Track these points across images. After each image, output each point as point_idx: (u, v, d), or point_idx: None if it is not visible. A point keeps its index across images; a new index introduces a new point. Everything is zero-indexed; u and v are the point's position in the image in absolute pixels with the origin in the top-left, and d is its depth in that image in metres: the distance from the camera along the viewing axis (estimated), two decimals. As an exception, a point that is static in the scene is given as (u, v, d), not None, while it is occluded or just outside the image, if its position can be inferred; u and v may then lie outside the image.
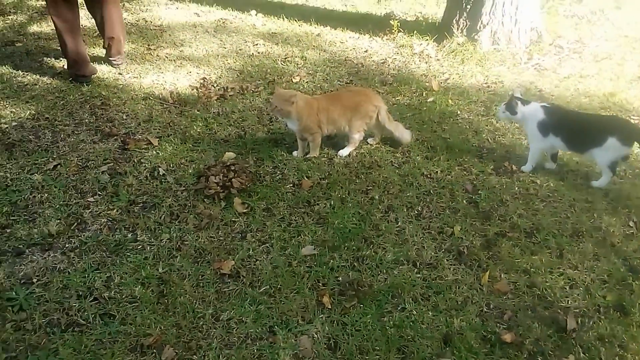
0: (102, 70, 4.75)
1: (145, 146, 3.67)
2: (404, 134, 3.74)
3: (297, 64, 5.11)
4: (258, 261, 2.74)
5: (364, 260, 2.76)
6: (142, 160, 3.51)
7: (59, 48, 4.50)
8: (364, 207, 3.14)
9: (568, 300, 2.55)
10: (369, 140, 3.81)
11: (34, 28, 5.75)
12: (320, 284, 2.61)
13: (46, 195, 3.15)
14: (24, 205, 3.06)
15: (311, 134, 3.55)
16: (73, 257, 2.71)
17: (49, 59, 4.95)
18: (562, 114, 3.52)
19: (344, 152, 3.67)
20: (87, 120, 3.99)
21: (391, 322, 2.40)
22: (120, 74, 4.74)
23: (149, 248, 2.79)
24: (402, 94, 4.55)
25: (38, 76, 4.60)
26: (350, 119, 3.59)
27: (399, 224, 3.03)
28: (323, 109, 3.55)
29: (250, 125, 4.00)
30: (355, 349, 2.28)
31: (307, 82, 4.75)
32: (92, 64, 4.59)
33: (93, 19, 4.75)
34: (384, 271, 2.70)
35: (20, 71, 4.68)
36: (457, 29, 5.42)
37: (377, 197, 3.23)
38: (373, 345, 2.29)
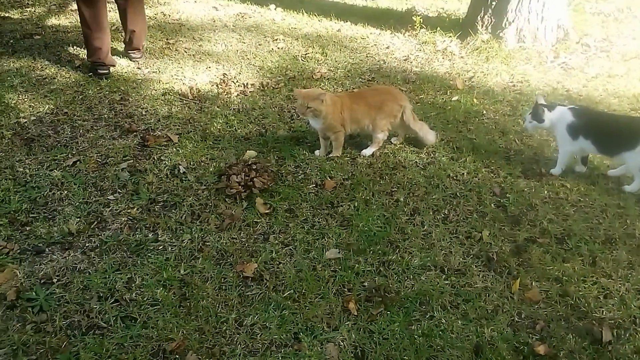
0: (121, 65, 4.70)
1: (165, 143, 3.61)
2: (428, 135, 3.65)
3: (318, 61, 5.02)
4: (281, 264, 2.67)
5: (390, 265, 2.68)
6: (162, 158, 3.45)
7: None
8: (388, 210, 3.06)
9: (602, 311, 2.45)
10: (392, 139, 3.73)
11: (53, 21, 5.70)
12: (346, 289, 2.53)
13: (66, 192, 3.10)
14: (43, 203, 3.02)
15: (334, 132, 3.47)
16: (93, 257, 2.66)
17: (67, 52, 4.90)
18: (592, 116, 3.43)
19: (367, 152, 3.58)
20: (106, 115, 3.94)
21: (420, 331, 2.33)
22: (139, 69, 4.69)
23: (170, 249, 2.74)
24: (425, 92, 4.46)
25: (57, 70, 4.56)
26: (375, 117, 3.51)
27: (425, 227, 2.95)
28: (347, 107, 3.47)
29: (271, 123, 3.93)
30: (383, 358, 2.20)
31: (328, 79, 4.66)
32: (112, 56, 4.53)
33: (114, 12, 4.70)
34: (411, 277, 2.62)
35: (38, 64, 4.64)
36: (482, 25, 5.30)
37: (402, 199, 3.15)
38: (401, 355, 2.22)
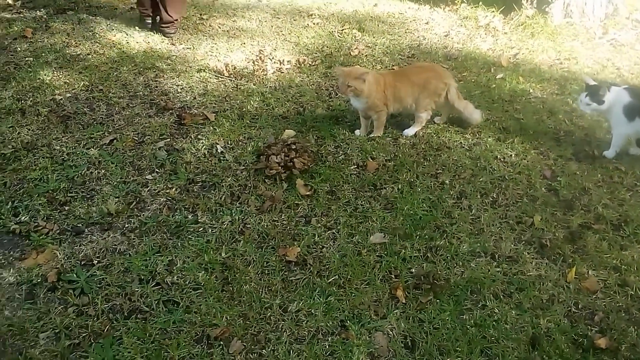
0: (155, 40, 4.62)
1: (202, 121, 3.53)
2: (473, 114, 3.49)
3: (355, 36, 4.87)
4: (325, 248, 2.58)
5: (437, 250, 2.58)
6: (199, 137, 3.37)
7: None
8: (434, 193, 2.94)
9: (665, 303, 2.32)
10: (435, 119, 3.59)
11: (85, -4, 5.63)
12: (393, 276, 2.44)
13: (103, 171, 3.05)
14: (81, 182, 2.97)
15: (376, 112, 3.35)
16: (133, 239, 2.60)
17: (101, 28, 4.83)
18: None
19: (409, 132, 3.45)
20: (141, 92, 3.87)
21: (472, 321, 2.23)
22: (173, 45, 4.60)
23: (210, 230, 2.67)
24: (468, 70, 4.29)
25: (91, 46, 4.49)
26: (418, 96, 3.37)
27: (473, 211, 2.82)
28: (389, 86, 3.34)
29: (308, 101, 3.82)
30: (434, 349, 2.11)
31: (366, 55, 4.52)
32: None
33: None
34: (460, 264, 2.51)
35: (72, 40, 4.58)
36: (526, 0, 5.06)
37: (447, 181, 3.03)
38: (454, 345, 2.12)
